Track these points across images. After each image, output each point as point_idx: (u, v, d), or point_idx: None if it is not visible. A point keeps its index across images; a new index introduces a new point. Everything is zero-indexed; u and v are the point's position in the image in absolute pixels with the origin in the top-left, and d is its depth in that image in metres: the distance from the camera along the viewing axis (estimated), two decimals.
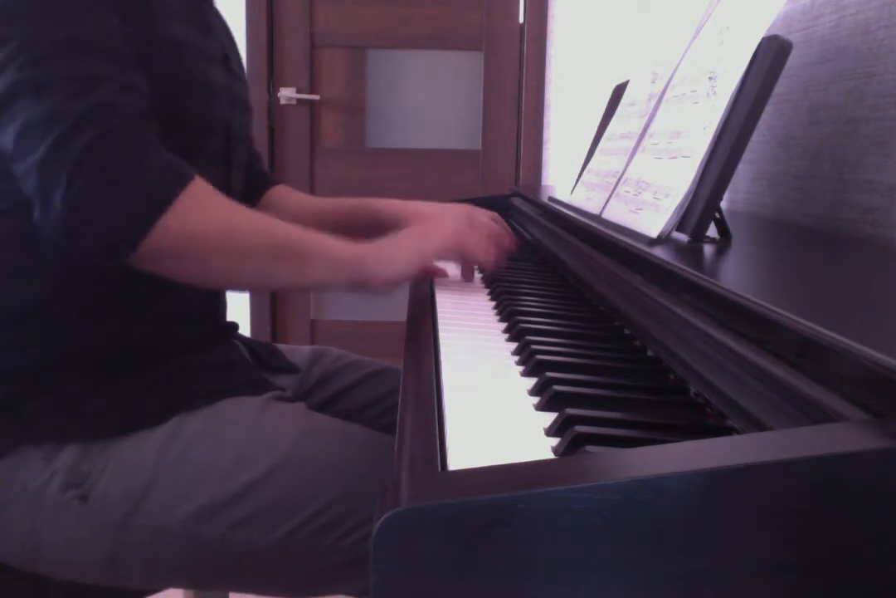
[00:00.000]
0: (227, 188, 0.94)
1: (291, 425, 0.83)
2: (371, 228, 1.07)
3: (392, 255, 0.82)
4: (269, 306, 2.82)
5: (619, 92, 1.18)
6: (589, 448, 0.42)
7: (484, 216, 0.95)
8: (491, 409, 0.50)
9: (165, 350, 0.86)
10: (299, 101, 2.76)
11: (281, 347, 1.10)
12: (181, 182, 0.73)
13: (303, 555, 0.78)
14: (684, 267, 0.58)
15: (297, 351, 1.11)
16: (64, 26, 0.73)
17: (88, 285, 0.82)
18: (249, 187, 1.08)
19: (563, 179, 2.25)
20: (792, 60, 0.78)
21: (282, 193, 1.16)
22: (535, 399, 0.52)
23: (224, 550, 0.77)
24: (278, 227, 0.80)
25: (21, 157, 0.70)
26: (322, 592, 0.83)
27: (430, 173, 2.81)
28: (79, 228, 0.70)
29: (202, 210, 0.75)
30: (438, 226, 0.89)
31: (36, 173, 0.69)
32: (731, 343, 0.47)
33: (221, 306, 1.00)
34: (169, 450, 0.78)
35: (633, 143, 0.89)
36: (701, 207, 0.70)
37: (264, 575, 0.80)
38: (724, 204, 0.74)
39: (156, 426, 0.79)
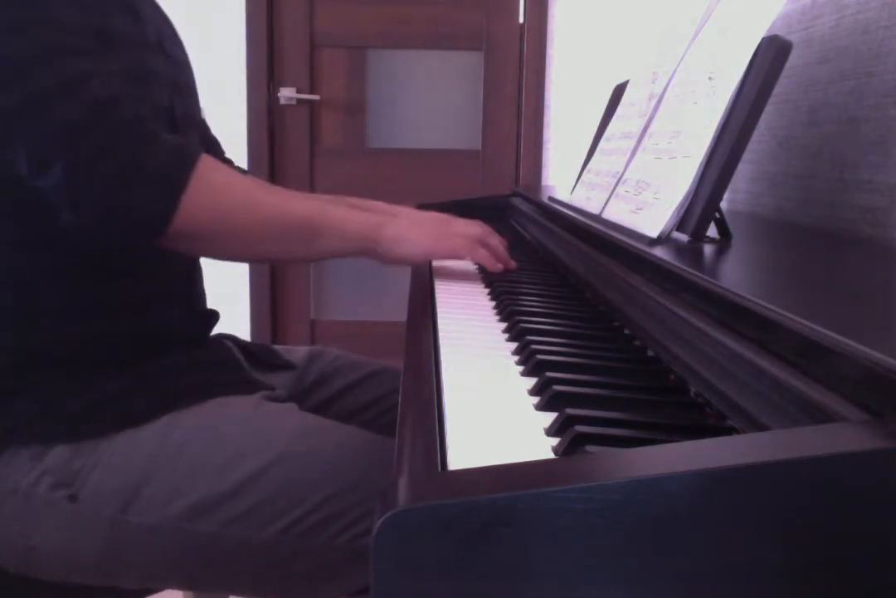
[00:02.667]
0: None
1: (285, 423, 0.83)
2: None
3: (408, 238, 0.85)
4: (269, 306, 2.82)
5: (619, 92, 1.18)
6: (589, 448, 0.42)
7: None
8: (491, 409, 0.50)
9: (149, 344, 0.86)
10: (299, 101, 2.76)
11: (278, 348, 1.10)
12: (189, 163, 0.76)
13: (296, 554, 0.78)
14: (684, 267, 0.58)
15: (294, 351, 1.11)
16: (26, 38, 0.73)
17: (58, 282, 0.82)
18: None
19: (563, 179, 2.25)
20: (792, 60, 0.78)
21: None
22: (535, 399, 0.52)
23: (217, 548, 0.77)
24: (295, 203, 0.83)
25: (40, 174, 0.73)
26: (318, 593, 0.83)
27: (430, 173, 2.81)
28: (114, 226, 0.74)
29: (219, 190, 0.78)
30: (458, 222, 0.91)
31: (62, 185, 0.72)
32: (731, 343, 0.47)
33: (199, 292, 1.00)
34: (161, 447, 0.78)
35: (633, 143, 0.89)
36: (701, 207, 0.70)
37: (258, 574, 0.80)
38: (724, 204, 0.74)
39: (146, 424, 0.79)
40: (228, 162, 1.15)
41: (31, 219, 0.79)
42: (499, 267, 0.90)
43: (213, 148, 1.13)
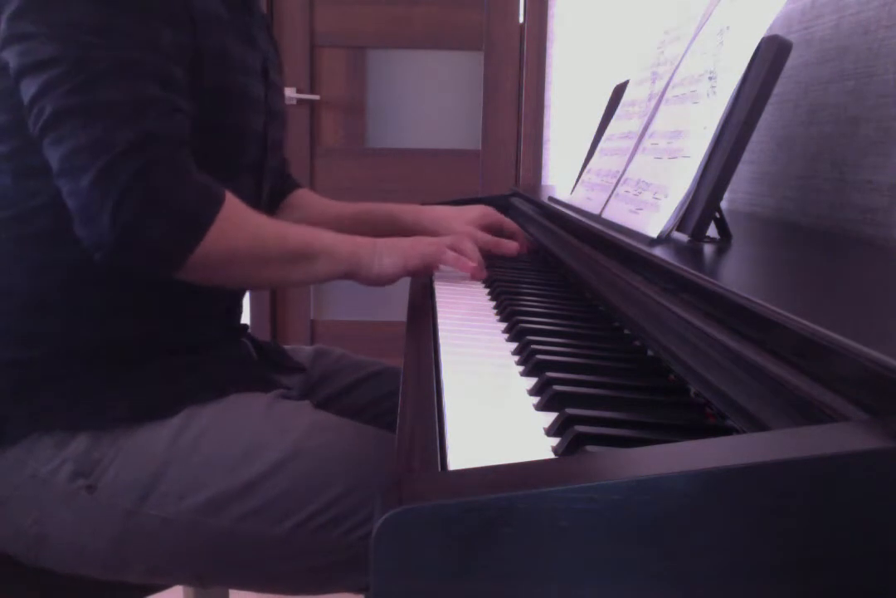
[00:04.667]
0: (257, 195, 0.99)
1: (300, 420, 0.84)
2: (390, 233, 1.11)
3: (382, 254, 0.88)
4: (269, 306, 2.82)
5: (619, 92, 1.18)
6: (589, 448, 0.42)
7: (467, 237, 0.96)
8: (491, 409, 0.50)
9: (178, 346, 0.88)
10: (299, 101, 2.76)
11: (285, 348, 1.10)
12: (216, 207, 0.78)
13: (308, 549, 0.78)
14: (684, 267, 0.58)
15: (298, 351, 1.12)
16: (114, 48, 0.74)
17: (111, 282, 0.83)
18: (276, 190, 1.11)
19: (563, 179, 2.25)
20: (792, 60, 0.78)
21: (304, 196, 1.21)
22: (535, 399, 0.52)
23: (231, 542, 0.78)
24: (290, 233, 0.86)
25: (67, 177, 0.74)
26: (327, 588, 0.83)
27: (430, 173, 2.81)
28: (126, 251, 0.75)
29: (233, 229, 0.80)
30: (425, 239, 0.94)
31: (84, 196, 0.73)
32: (732, 343, 0.47)
33: (239, 310, 1.03)
34: (178, 441, 0.79)
35: (633, 143, 0.89)
36: (701, 207, 0.70)
37: (269, 570, 0.80)
38: (724, 204, 0.74)
39: (166, 418, 0.81)
40: (289, 177, 1.21)
41: None
42: (470, 266, 0.91)
43: (284, 165, 1.19)
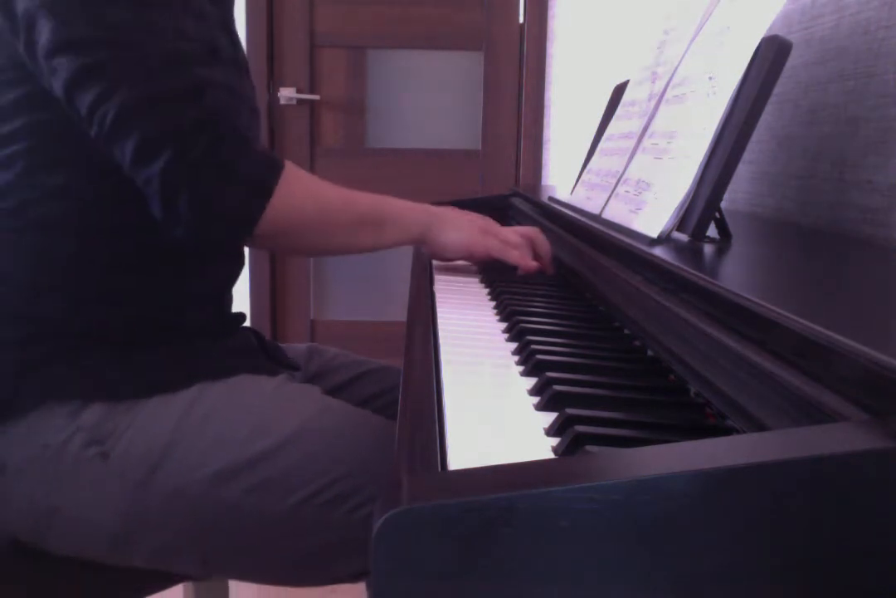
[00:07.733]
0: None
1: (309, 400, 0.87)
2: None
3: (458, 227, 0.94)
4: (269, 305, 2.82)
5: (619, 92, 1.18)
6: (589, 448, 0.42)
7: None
8: (491, 409, 0.50)
9: (184, 329, 0.90)
10: (299, 101, 2.76)
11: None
12: (278, 171, 0.83)
13: (312, 526, 0.80)
14: (684, 267, 0.58)
15: (292, 349, 1.12)
16: (158, 42, 0.78)
17: (109, 269, 0.85)
18: None
19: (563, 179, 2.25)
20: (792, 60, 0.78)
21: None
22: (535, 399, 0.52)
23: (236, 516, 0.79)
24: (360, 198, 0.91)
25: (141, 167, 0.78)
26: (327, 572, 0.84)
27: (430, 173, 2.81)
28: (205, 225, 0.79)
29: (298, 193, 0.85)
30: (501, 228, 1.00)
31: (159, 181, 0.77)
32: (731, 343, 0.47)
33: (230, 296, 1.04)
34: (190, 414, 0.81)
35: (633, 143, 0.89)
36: (701, 207, 0.70)
37: (271, 549, 0.81)
38: (724, 204, 0.74)
39: (178, 391, 0.82)
40: None
41: (96, 210, 0.83)
42: (532, 265, 0.95)
43: None
